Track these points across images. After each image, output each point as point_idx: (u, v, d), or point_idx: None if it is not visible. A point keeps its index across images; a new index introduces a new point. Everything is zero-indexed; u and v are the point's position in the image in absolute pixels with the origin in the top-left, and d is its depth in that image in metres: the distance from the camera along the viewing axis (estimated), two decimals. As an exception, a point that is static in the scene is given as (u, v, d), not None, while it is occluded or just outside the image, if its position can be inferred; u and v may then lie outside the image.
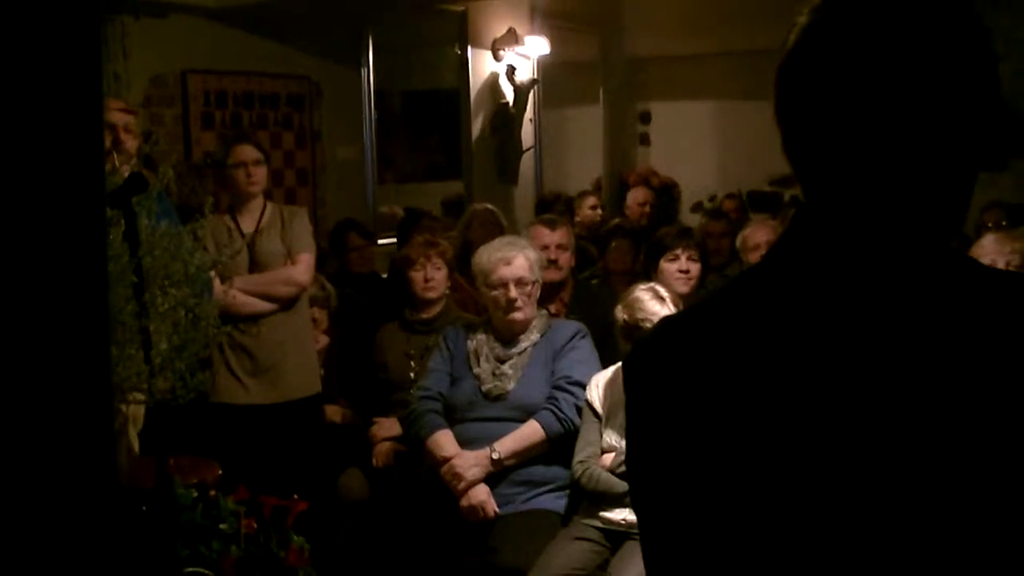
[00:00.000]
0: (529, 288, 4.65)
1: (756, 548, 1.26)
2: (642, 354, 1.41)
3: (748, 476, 1.26)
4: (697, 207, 10.39)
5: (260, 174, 5.13)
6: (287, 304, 5.07)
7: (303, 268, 5.11)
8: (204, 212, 3.13)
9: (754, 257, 5.78)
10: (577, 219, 8.54)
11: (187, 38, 6.98)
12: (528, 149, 9.35)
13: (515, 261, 4.65)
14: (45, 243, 1.96)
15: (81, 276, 2.01)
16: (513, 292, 4.60)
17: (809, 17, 1.28)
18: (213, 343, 2.99)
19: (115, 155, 4.43)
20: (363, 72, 8.20)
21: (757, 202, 10.28)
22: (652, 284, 4.40)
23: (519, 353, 4.64)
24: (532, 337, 4.66)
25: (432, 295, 5.34)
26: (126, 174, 2.74)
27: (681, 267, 5.11)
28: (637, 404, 1.40)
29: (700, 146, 10.62)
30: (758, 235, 5.89)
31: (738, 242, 6.04)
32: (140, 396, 2.80)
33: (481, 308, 5.08)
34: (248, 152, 5.10)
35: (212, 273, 4.57)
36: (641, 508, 1.40)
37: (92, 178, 2.11)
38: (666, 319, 1.45)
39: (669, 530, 1.34)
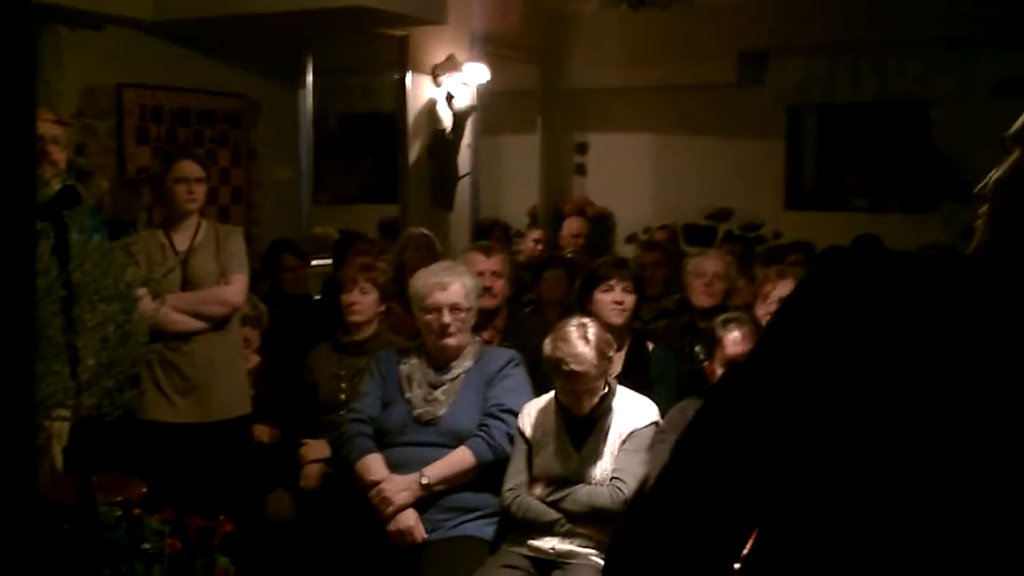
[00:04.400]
0: (463, 315, 4.64)
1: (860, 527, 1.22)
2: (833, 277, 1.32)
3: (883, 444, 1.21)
4: (631, 238, 10.44)
5: (200, 192, 5.08)
6: (219, 324, 5.02)
7: (236, 289, 5.06)
8: (137, 227, 3.08)
9: (698, 285, 5.81)
10: (520, 249, 8.57)
11: (123, 50, 6.91)
12: (465, 175, 9.34)
13: (451, 287, 4.64)
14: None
15: (8, 289, 1.96)
16: (447, 318, 4.59)
17: None
18: (142, 360, 2.94)
19: (45, 166, 4.37)
20: (301, 93, 8.15)
21: (692, 235, 10.36)
22: (584, 321, 4.40)
23: (452, 379, 4.63)
24: (465, 364, 4.65)
25: (357, 319, 5.33)
26: (55, 187, 2.69)
27: (616, 298, 5.11)
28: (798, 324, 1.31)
29: (636, 178, 10.68)
30: (705, 265, 5.90)
31: (687, 270, 6.03)
32: (65, 412, 2.74)
33: (414, 332, 5.06)
34: (191, 168, 5.05)
35: (144, 290, 4.52)
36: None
37: (22, 190, 2.07)
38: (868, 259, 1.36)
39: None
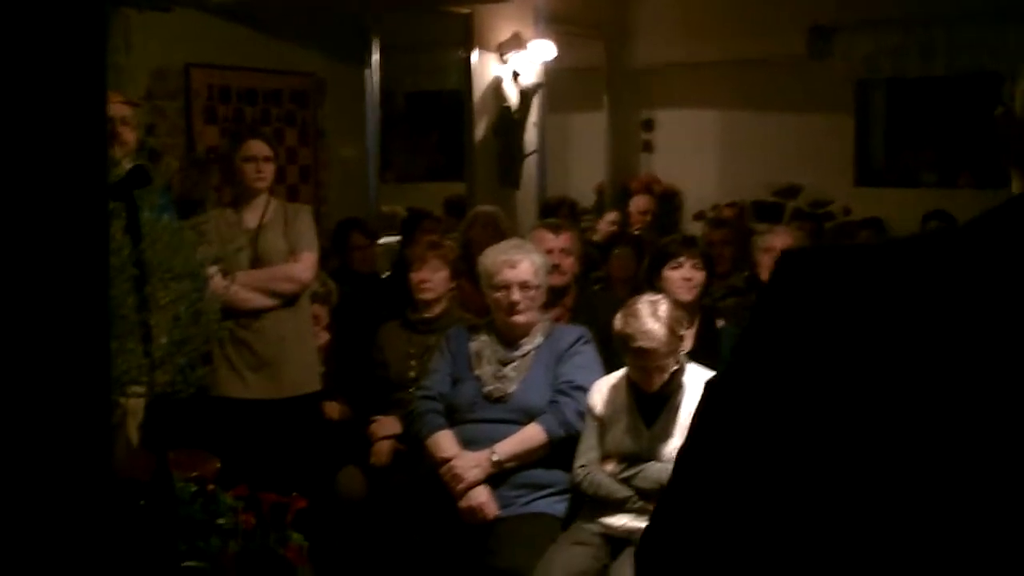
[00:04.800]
0: (532, 292, 4.63)
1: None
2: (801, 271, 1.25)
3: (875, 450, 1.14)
4: (699, 216, 10.37)
5: (269, 170, 5.10)
6: (289, 301, 5.03)
7: (305, 265, 5.08)
8: (205, 206, 3.10)
9: (767, 262, 5.75)
10: (596, 229, 8.57)
11: (191, 32, 6.93)
12: (531, 153, 9.31)
13: (520, 265, 4.63)
14: (47, 234, 1.92)
15: (82, 268, 1.97)
16: (516, 295, 4.58)
17: None
18: (214, 338, 2.95)
19: (115, 147, 4.40)
20: (367, 71, 8.15)
21: (760, 212, 10.27)
22: (656, 298, 4.36)
23: (521, 356, 4.62)
24: (535, 341, 4.64)
25: (428, 296, 5.31)
26: (126, 167, 2.70)
27: (685, 275, 5.08)
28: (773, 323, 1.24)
29: (703, 154, 10.59)
30: (775, 241, 5.85)
31: (756, 246, 5.98)
32: (139, 390, 2.77)
33: (484, 309, 5.05)
34: (260, 147, 5.07)
35: (215, 268, 4.55)
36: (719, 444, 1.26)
37: (95, 169, 2.07)
38: (848, 249, 1.31)
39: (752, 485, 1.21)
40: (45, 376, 1.88)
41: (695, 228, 9.63)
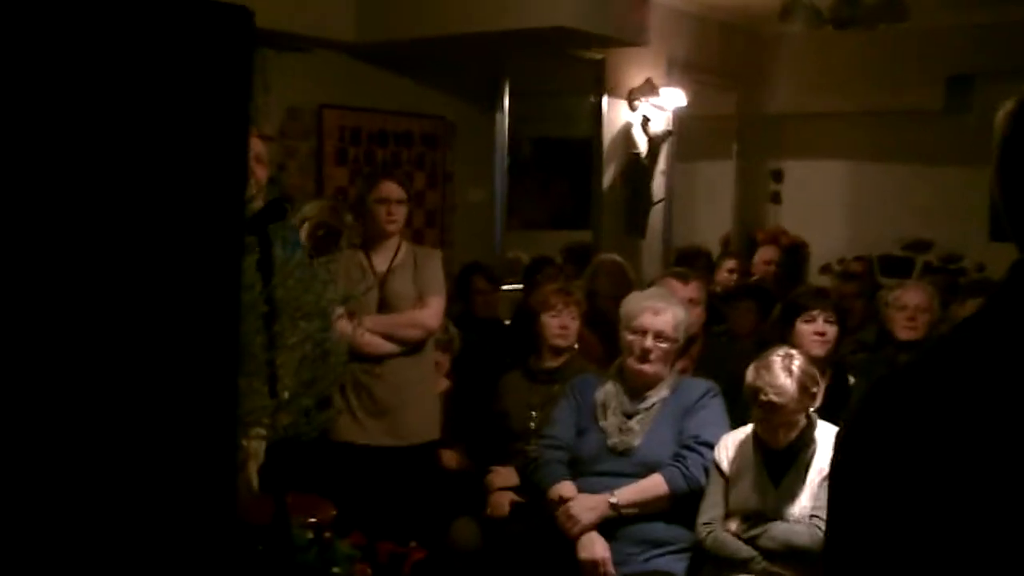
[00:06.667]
0: (666, 345, 4.55)
1: None
2: (862, 416, 1.37)
3: (971, 552, 1.21)
4: (825, 268, 10.20)
5: (401, 213, 5.07)
6: (413, 347, 4.99)
7: (432, 312, 5.03)
8: (340, 246, 3.07)
9: (901, 319, 5.60)
10: (715, 279, 8.42)
11: (326, 72, 7.00)
12: (659, 201, 9.23)
13: (663, 314, 4.57)
14: (185, 263, 1.88)
15: (216, 304, 1.93)
16: (649, 342, 4.51)
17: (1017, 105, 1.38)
18: (340, 381, 2.91)
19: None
20: (498, 116, 8.15)
21: (888, 266, 10.06)
22: (791, 352, 4.26)
23: (647, 408, 4.53)
24: (661, 393, 4.55)
25: (563, 343, 5.24)
26: (257, 203, 2.68)
27: (818, 329, 4.95)
28: (852, 467, 1.35)
29: (831, 206, 10.44)
30: (906, 297, 5.70)
31: (886, 302, 5.84)
32: (262, 431, 2.73)
33: (605, 361, 4.97)
34: (393, 189, 5.05)
35: (340, 310, 4.52)
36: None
37: (234, 203, 2.04)
38: (883, 379, 1.40)
39: None
40: (175, 412, 1.84)
41: (821, 281, 9.47)
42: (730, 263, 8.73)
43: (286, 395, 2.65)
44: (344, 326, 4.48)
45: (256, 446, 2.74)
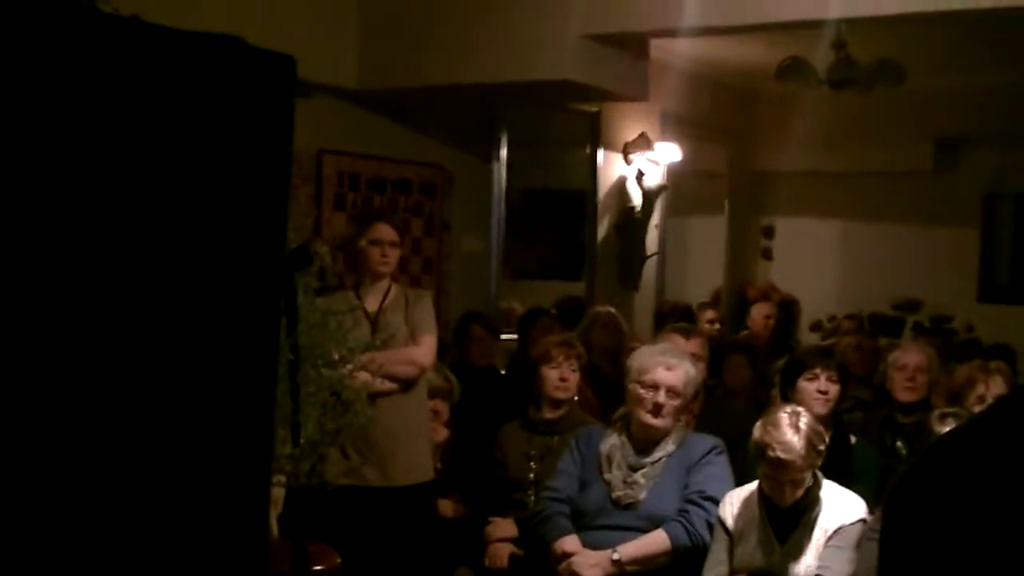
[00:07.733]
0: (677, 401, 4.54)
1: None
2: (910, 487, 1.35)
3: None
4: (816, 326, 10.23)
5: (394, 256, 5.06)
6: (406, 385, 4.96)
7: (425, 349, 5.00)
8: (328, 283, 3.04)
9: (901, 379, 5.61)
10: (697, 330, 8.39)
11: (327, 117, 7.00)
12: (652, 255, 9.25)
13: (676, 370, 4.56)
14: (226, 304, 1.86)
15: (255, 348, 1.91)
16: (662, 397, 4.49)
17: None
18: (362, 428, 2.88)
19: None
20: (495, 166, 8.17)
21: (879, 325, 10.09)
22: (799, 409, 4.25)
23: (653, 463, 4.50)
24: (668, 447, 4.53)
25: (563, 395, 5.22)
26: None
27: (821, 387, 4.94)
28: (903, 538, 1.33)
29: (822, 264, 10.50)
30: (907, 358, 5.73)
31: (888, 362, 5.86)
32: (282, 478, 2.71)
33: (600, 414, 4.95)
34: (386, 231, 5.04)
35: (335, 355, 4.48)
36: None
37: (274, 247, 2.03)
38: (932, 449, 1.39)
39: None
40: (210, 463, 1.82)
41: (811, 338, 9.49)
42: (709, 314, 8.70)
43: (304, 443, 2.63)
44: (364, 375, 4.42)
45: (276, 493, 2.72)
